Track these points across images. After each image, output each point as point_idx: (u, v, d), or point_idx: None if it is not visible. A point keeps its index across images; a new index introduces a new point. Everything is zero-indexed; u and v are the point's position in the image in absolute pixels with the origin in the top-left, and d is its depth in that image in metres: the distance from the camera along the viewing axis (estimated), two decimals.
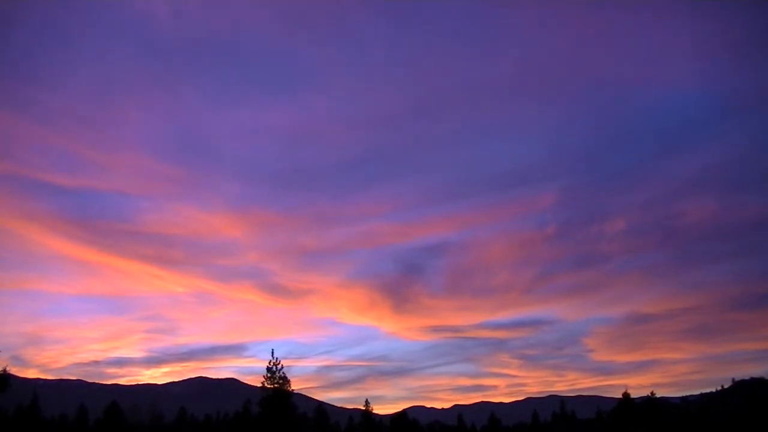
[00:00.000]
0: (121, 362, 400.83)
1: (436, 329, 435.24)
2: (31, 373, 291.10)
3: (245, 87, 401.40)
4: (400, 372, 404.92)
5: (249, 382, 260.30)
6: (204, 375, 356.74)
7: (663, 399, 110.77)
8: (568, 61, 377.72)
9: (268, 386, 50.35)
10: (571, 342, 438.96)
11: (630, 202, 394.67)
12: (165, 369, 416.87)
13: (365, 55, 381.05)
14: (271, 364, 50.58)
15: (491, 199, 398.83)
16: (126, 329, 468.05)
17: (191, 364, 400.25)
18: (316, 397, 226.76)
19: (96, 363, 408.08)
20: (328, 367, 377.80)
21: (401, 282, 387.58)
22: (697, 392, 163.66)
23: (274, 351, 51.00)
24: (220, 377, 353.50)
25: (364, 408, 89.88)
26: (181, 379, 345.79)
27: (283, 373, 50.45)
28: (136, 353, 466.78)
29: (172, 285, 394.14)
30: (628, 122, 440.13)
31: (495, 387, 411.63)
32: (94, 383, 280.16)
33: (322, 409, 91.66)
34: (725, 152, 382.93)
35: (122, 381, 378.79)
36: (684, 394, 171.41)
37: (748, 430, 79.10)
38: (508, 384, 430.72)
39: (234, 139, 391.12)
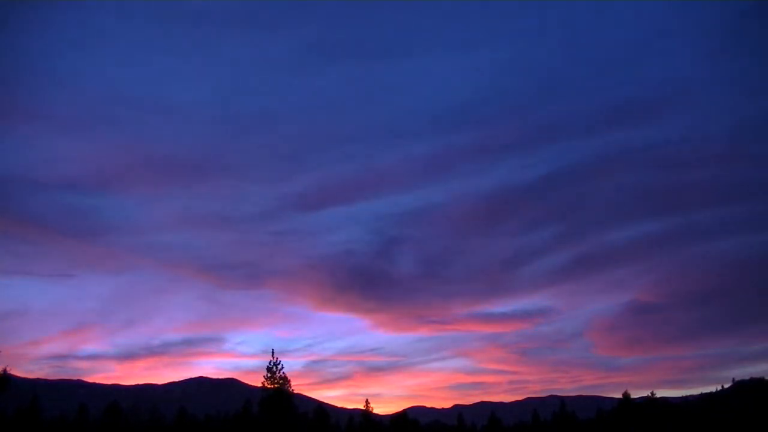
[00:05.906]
0: (91, 357, 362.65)
1: (421, 320, 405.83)
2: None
3: None
4: (393, 368, 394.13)
5: (247, 382, 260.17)
6: (201, 374, 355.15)
7: (663, 399, 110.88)
8: None
9: (269, 386, 50.40)
10: (572, 336, 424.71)
11: (626, 148, 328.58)
12: (141, 364, 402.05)
13: None
14: (272, 363, 50.66)
15: (446, 140, 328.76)
16: (80, 319, 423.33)
17: (166, 359, 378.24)
18: (309, 395, 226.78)
19: (63, 357, 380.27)
20: (315, 362, 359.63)
21: (367, 260, 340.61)
22: (697, 392, 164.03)
23: (257, 346, 51.59)
24: (220, 377, 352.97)
25: (364, 408, 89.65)
26: (181, 379, 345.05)
27: (283, 373, 50.59)
28: (104, 347, 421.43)
29: (101, 263, 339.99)
30: (623, 42, 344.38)
31: (495, 384, 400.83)
32: (94, 383, 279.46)
33: (323, 409, 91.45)
34: (744, 88, 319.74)
35: (96, 377, 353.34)
36: (686, 393, 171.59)
37: (748, 430, 78.96)
38: (509, 380, 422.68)
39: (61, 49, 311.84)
